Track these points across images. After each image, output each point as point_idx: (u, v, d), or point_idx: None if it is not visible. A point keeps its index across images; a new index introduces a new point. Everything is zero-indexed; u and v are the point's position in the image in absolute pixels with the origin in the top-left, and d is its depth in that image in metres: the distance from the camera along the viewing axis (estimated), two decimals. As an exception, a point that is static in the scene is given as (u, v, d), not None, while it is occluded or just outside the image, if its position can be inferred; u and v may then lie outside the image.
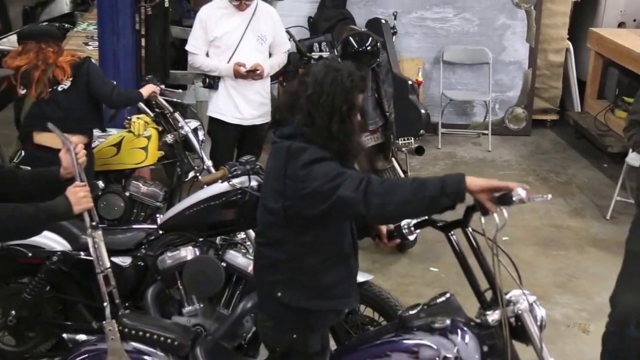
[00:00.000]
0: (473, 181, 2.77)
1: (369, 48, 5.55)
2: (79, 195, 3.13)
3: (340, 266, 3.11)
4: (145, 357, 3.18)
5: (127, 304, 3.83)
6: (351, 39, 5.59)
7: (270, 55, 5.71)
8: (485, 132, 8.40)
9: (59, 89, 4.61)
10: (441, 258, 5.65)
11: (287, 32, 6.04)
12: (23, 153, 4.68)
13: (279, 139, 3.01)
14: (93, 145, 4.88)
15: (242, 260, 3.87)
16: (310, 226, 3.00)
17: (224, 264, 3.83)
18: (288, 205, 2.96)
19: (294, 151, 2.93)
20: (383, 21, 7.82)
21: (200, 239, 3.96)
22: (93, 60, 4.88)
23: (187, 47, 5.69)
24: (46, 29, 4.87)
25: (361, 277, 3.73)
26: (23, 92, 4.62)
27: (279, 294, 3.09)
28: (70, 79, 4.62)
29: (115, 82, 4.86)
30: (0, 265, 4.08)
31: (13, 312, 4.06)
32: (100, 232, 3.24)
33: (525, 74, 8.59)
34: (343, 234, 3.10)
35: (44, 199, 3.24)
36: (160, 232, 4.07)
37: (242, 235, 4.17)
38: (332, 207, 2.83)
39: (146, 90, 4.89)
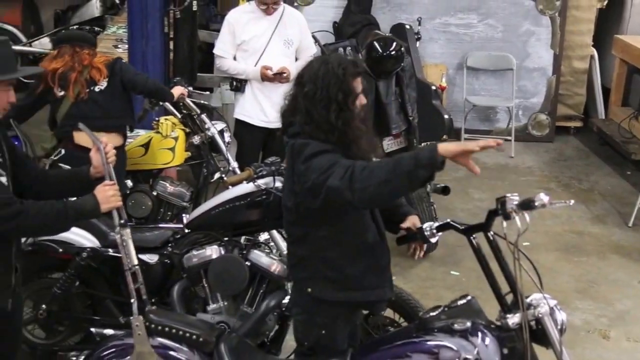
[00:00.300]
0: (445, 147, 2.77)
1: (393, 53, 5.59)
2: (107, 194, 3.19)
3: (364, 257, 3.18)
4: (171, 352, 3.22)
5: (153, 300, 3.89)
6: (375, 43, 5.64)
7: (296, 59, 5.78)
8: (508, 138, 8.39)
9: (96, 89, 4.71)
10: (462, 262, 5.67)
11: (313, 36, 6.10)
12: (63, 152, 4.78)
13: (288, 139, 3.12)
14: (122, 144, 4.96)
15: (265, 260, 3.93)
16: (324, 219, 3.08)
17: (248, 263, 3.90)
18: (299, 202, 3.08)
19: (297, 148, 3.03)
20: (407, 27, 7.85)
21: (226, 239, 4.03)
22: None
23: (215, 51, 5.76)
24: (81, 34, 4.96)
25: None
26: (61, 93, 4.71)
27: (309, 290, 3.19)
28: (106, 78, 4.72)
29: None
30: (31, 260, 4.16)
31: (43, 305, 4.15)
32: (128, 230, 3.31)
33: (549, 80, 8.60)
34: (364, 225, 3.16)
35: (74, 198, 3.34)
36: (187, 230, 4.15)
37: (266, 235, 4.23)
38: (326, 197, 2.90)
39: (175, 91, 4.97)
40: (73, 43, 4.76)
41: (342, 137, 3.02)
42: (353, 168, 2.86)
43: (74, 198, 3.27)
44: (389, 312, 4.01)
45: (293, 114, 3.12)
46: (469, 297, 3.30)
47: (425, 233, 3.42)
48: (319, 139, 3.01)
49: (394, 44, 5.63)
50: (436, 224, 3.40)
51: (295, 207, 3.14)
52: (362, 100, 3.11)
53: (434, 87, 7.31)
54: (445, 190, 5.37)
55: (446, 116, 6.98)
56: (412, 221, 3.42)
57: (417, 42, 7.98)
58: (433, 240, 3.50)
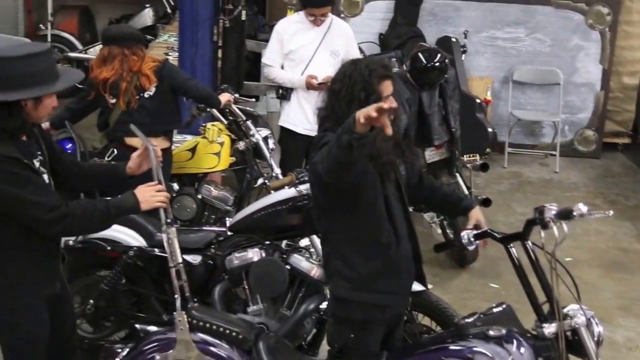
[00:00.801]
0: (359, 111, 2.74)
1: (437, 64, 5.64)
2: (148, 194, 3.30)
3: (378, 258, 3.21)
4: (211, 348, 3.32)
5: (195, 300, 3.99)
6: (420, 54, 5.69)
7: None
8: (553, 153, 8.39)
9: (145, 95, 4.82)
10: (502, 275, 5.68)
11: (358, 47, 6.20)
12: (115, 152, 4.94)
13: None
14: (169, 149, 5.09)
15: (305, 264, 4.02)
16: (337, 212, 3.19)
17: (288, 267, 3.99)
18: (314, 194, 3.23)
19: (315, 142, 3.16)
20: (453, 39, 7.90)
21: (267, 242, 4.13)
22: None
23: (263, 60, 5.90)
24: (129, 32, 5.00)
25: (419, 286, 3.85)
26: (112, 101, 4.85)
27: (330, 288, 3.31)
28: (155, 84, 4.83)
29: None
30: (81, 257, 4.33)
31: (91, 301, 4.30)
32: (174, 229, 3.43)
33: (597, 96, 8.56)
34: (377, 224, 3.18)
35: (108, 194, 3.48)
36: (229, 233, 4.26)
37: (307, 241, 4.31)
38: (315, 177, 3.05)
39: (222, 98, 5.09)
40: (121, 44, 4.85)
41: None
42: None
43: (109, 197, 3.38)
44: (426, 320, 4.07)
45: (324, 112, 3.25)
46: (505, 305, 3.34)
47: (463, 241, 3.47)
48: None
49: (438, 55, 5.69)
50: (474, 232, 3.45)
51: (314, 200, 3.26)
52: (391, 102, 3.10)
53: (478, 100, 7.36)
54: (486, 202, 5.41)
55: (490, 129, 7.02)
56: (475, 218, 3.48)
57: (463, 55, 8.02)
58: (471, 248, 3.56)
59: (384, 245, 3.20)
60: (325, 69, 5.67)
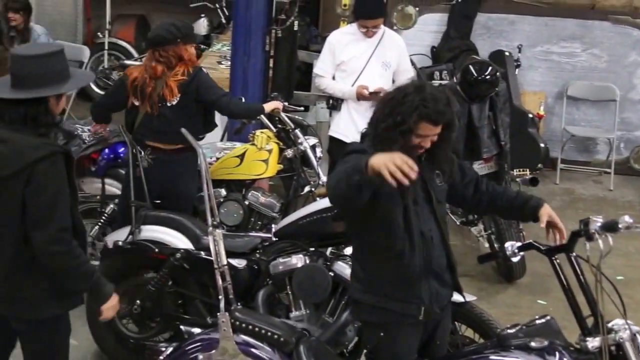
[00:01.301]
0: (374, 158, 2.81)
1: (487, 77, 5.64)
2: (109, 309, 3.45)
3: (392, 266, 3.24)
4: (253, 349, 3.38)
5: (239, 304, 4.07)
6: (471, 67, 5.70)
7: (393, 81, 5.93)
8: (608, 170, 8.28)
9: (168, 104, 4.77)
10: (551, 292, 5.62)
11: (410, 59, 6.23)
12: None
13: None
14: (219, 156, 5.18)
15: (349, 271, 4.04)
16: (354, 219, 3.29)
17: (331, 274, 4.04)
18: None
19: (342, 154, 3.28)
20: (507, 53, 7.91)
21: (311, 249, 4.19)
22: (204, 71, 5.00)
23: (315, 70, 5.99)
24: (161, 35, 4.81)
25: (462, 298, 3.86)
26: (136, 103, 4.87)
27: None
28: (178, 97, 4.76)
29: (227, 92, 5.08)
30: (129, 259, 4.45)
31: (138, 301, 4.40)
32: (220, 232, 3.52)
33: (655, 113, 8.45)
34: (393, 233, 3.20)
35: None
36: (275, 239, 4.33)
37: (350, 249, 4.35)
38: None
39: (270, 105, 5.15)
40: (155, 47, 4.81)
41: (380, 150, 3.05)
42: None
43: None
44: (469, 332, 4.08)
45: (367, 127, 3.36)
46: (548, 317, 3.34)
47: (507, 252, 3.48)
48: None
49: (490, 68, 5.69)
50: (518, 244, 3.46)
51: None
52: (424, 142, 3.15)
53: (530, 115, 7.35)
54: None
55: (542, 145, 7.00)
56: (546, 215, 3.40)
57: (517, 70, 8.01)
58: (515, 259, 3.57)
59: (398, 255, 3.22)
60: (376, 80, 5.74)
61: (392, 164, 2.74)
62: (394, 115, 3.12)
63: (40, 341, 3.45)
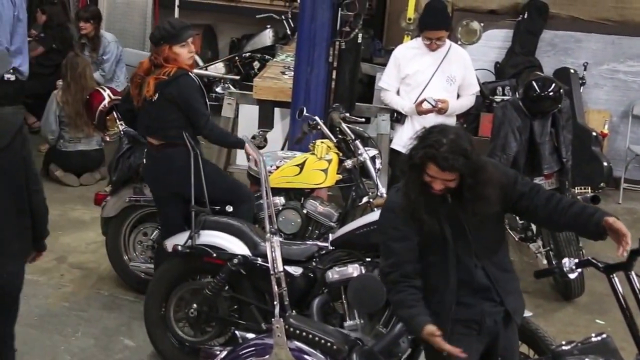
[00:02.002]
0: (429, 331, 3.16)
1: (550, 94, 5.58)
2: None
3: (429, 297, 3.33)
4: (306, 356, 3.41)
5: (293, 311, 4.08)
6: (534, 83, 5.65)
7: (458, 96, 5.93)
8: (672, 192, 8.12)
9: (151, 100, 4.81)
10: (609, 312, 5.52)
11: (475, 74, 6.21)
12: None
13: None
14: (279, 164, 5.23)
15: (404, 283, 4.06)
16: None
17: (387, 285, 4.04)
18: None
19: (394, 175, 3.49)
20: (572, 71, 7.81)
21: (367, 259, 4.20)
22: (192, 75, 4.88)
23: (380, 83, 6.06)
24: (156, 35, 4.87)
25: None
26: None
27: None
28: (156, 95, 4.77)
29: (208, 116, 4.88)
30: (188, 263, 4.51)
31: (194, 305, 4.45)
32: (277, 238, 3.56)
33: None
34: (429, 267, 3.35)
35: None
36: (331, 248, 4.35)
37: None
38: None
39: (248, 148, 4.95)
40: (155, 47, 4.87)
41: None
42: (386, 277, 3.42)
43: None
44: (523, 348, 4.03)
45: None
46: (604, 335, 3.30)
47: (564, 268, 3.44)
48: None
49: (553, 85, 5.63)
50: (576, 260, 3.42)
51: None
52: (435, 184, 3.22)
53: (594, 133, 7.24)
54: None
55: (605, 163, 6.88)
56: (612, 219, 3.26)
57: (582, 87, 7.90)
58: (572, 276, 3.53)
59: (433, 288, 3.37)
60: (440, 94, 5.75)
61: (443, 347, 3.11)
62: (412, 146, 3.25)
63: None
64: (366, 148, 5.27)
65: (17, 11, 6.40)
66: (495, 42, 8.40)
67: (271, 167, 5.15)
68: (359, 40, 6.13)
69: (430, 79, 5.79)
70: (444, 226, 3.30)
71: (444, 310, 3.34)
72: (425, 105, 5.70)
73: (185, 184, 4.76)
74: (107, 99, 6.31)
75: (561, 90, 5.65)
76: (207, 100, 4.89)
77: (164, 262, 4.70)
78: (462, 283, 3.34)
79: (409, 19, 7.77)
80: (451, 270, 3.31)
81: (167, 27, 4.82)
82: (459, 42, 7.96)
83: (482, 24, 7.95)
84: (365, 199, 5.12)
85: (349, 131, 5.31)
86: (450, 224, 3.31)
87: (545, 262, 5.81)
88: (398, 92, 5.96)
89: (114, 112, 6.09)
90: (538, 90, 5.62)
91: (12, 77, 6.47)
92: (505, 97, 7.08)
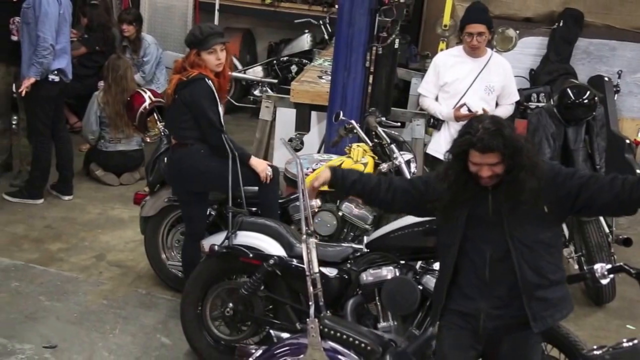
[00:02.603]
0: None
1: (585, 101, 5.55)
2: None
3: (440, 277, 3.53)
4: (339, 356, 3.41)
5: (328, 311, 4.10)
6: (569, 90, 5.62)
7: (497, 105, 5.90)
8: None
9: (173, 99, 4.89)
10: (641, 317, 5.52)
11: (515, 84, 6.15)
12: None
13: None
14: (315, 167, 5.24)
15: (438, 286, 4.05)
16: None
17: (420, 287, 4.02)
18: None
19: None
20: (606, 79, 7.75)
21: (402, 262, 4.19)
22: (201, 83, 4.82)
23: (418, 89, 6.05)
24: (186, 39, 4.96)
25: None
26: None
27: None
28: (176, 95, 4.83)
29: (213, 121, 4.80)
30: (225, 263, 4.54)
31: (230, 304, 4.48)
32: (313, 240, 3.55)
33: None
34: (449, 244, 3.46)
35: None
36: (366, 250, 4.35)
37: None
38: None
39: (258, 165, 4.95)
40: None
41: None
42: None
43: None
44: (554, 352, 4.01)
45: None
46: (635, 341, 3.27)
47: (596, 274, 3.42)
48: None
49: (587, 92, 5.60)
50: (608, 266, 3.39)
51: None
52: (481, 171, 3.28)
53: (628, 141, 7.15)
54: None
55: (638, 171, 6.79)
56: None
57: (615, 95, 7.83)
58: (604, 281, 3.50)
59: (447, 266, 3.47)
60: (478, 103, 5.71)
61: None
62: (453, 143, 3.36)
63: None
64: (401, 152, 5.27)
65: (63, 10, 6.46)
66: (530, 49, 8.35)
67: (307, 169, 5.16)
68: (396, 46, 6.13)
69: (469, 88, 5.76)
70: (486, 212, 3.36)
71: (438, 292, 3.54)
72: (463, 111, 5.67)
73: (196, 183, 4.84)
74: (147, 101, 6.39)
75: (595, 98, 5.61)
76: (219, 109, 4.85)
77: (194, 259, 4.76)
78: (470, 273, 3.40)
79: (445, 26, 7.76)
80: (470, 253, 3.39)
81: (196, 32, 4.84)
82: (495, 49, 7.93)
83: (517, 32, 7.89)
84: (399, 203, 5.11)
85: (384, 135, 5.31)
86: (493, 212, 3.34)
87: (576, 267, 5.76)
88: (437, 99, 5.93)
89: (155, 114, 6.16)
90: (573, 98, 5.59)
91: (57, 79, 6.54)
92: (540, 104, 7.04)
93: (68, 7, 6.61)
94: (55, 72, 6.50)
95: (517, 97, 6.08)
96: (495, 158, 3.22)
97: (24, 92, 6.36)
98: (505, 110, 5.91)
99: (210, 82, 4.79)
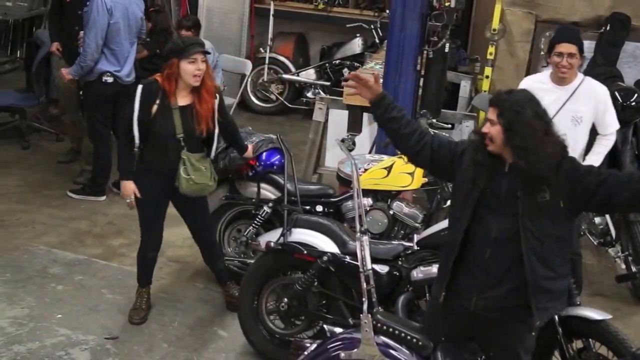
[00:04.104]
0: None
1: (632, 103, 5.47)
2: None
3: (447, 250, 3.51)
4: (392, 351, 3.41)
5: (380, 307, 4.10)
6: (616, 93, 5.56)
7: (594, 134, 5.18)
8: None
9: None
10: (688, 316, 5.41)
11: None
12: None
13: None
14: (367, 167, 5.24)
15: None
16: None
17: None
18: None
19: None
20: (654, 82, 7.57)
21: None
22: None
23: None
24: (168, 48, 4.77)
25: (598, 315, 3.76)
26: None
27: None
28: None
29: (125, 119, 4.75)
30: (280, 259, 4.57)
31: (285, 299, 4.51)
32: (367, 237, 3.57)
33: None
34: (459, 218, 3.44)
35: None
36: (416, 248, 4.35)
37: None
38: None
39: (124, 189, 4.85)
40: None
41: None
42: None
43: None
44: (603, 350, 3.95)
45: None
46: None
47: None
48: None
49: (635, 95, 5.52)
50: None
51: None
52: (484, 128, 3.38)
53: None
54: None
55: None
56: None
57: (663, 98, 7.65)
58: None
59: (451, 245, 3.46)
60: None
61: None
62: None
63: None
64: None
65: (116, 20, 6.57)
66: (577, 53, 8.20)
67: (359, 169, 5.16)
68: (446, 50, 6.10)
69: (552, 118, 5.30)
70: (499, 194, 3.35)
71: (443, 266, 3.53)
72: None
73: None
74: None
75: (643, 101, 5.52)
76: (135, 113, 4.63)
77: (257, 258, 4.79)
78: (473, 250, 3.38)
79: (494, 30, 7.69)
80: (477, 233, 3.37)
81: (178, 41, 4.77)
82: (541, 53, 7.85)
83: (565, 35, 7.79)
84: (449, 202, 5.08)
85: (435, 137, 5.28)
86: (510, 196, 3.32)
87: (623, 266, 5.68)
88: None
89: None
90: (620, 100, 5.53)
91: (110, 80, 6.66)
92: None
93: (127, 18, 6.70)
94: (109, 73, 6.62)
95: (612, 129, 5.14)
96: (494, 113, 3.33)
97: (66, 79, 6.72)
98: (601, 148, 5.13)
99: (153, 86, 4.64)
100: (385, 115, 3.66)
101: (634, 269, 5.54)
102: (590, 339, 3.91)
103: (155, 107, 4.62)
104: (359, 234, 3.53)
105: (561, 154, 3.34)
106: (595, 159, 5.02)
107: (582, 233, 5.52)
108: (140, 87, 4.67)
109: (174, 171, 4.68)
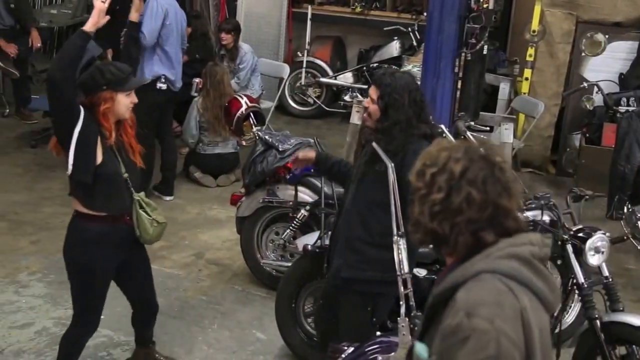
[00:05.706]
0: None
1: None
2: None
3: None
4: (428, 355, 3.38)
5: (418, 311, 4.07)
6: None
7: None
8: None
9: None
10: None
11: (596, 84, 5.98)
12: None
13: None
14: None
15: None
16: None
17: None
18: None
19: None
20: (697, 83, 7.44)
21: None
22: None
23: None
24: (102, 77, 3.97)
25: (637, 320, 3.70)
26: None
27: None
28: None
29: None
30: (317, 262, 4.55)
31: (321, 302, 4.48)
32: (404, 240, 3.53)
33: None
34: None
35: None
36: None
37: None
38: None
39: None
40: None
41: None
42: None
43: None
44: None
45: None
46: None
47: None
48: None
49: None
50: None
51: None
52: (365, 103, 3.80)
53: None
54: None
55: None
56: None
57: None
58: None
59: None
60: None
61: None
62: None
63: None
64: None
65: (170, 21, 6.62)
66: (619, 53, 8.08)
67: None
68: (485, 52, 6.05)
69: None
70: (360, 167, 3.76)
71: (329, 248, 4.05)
72: None
73: None
74: (244, 106, 6.47)
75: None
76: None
77: (295, 260, 4.77)
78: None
79: (533, 31, 7.62)
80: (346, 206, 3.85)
81: (114, 71, 3.90)
82: (583, 54, 7.74)
83: (607, 36, 7.68)
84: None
85: (472, 138, 5.24)
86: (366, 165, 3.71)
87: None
88: None
89: (250, 118, 6.25)
90: (664, 102, 5.41)
91: (164, 86, 6.71)
92: (630, 108, 6.81)
93: (177, 22, 6.76)
94: (163, 79, 6.65)
95: None
96: (374, 94, 3.61)
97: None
98: None
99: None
100: (327, 164, 4.13)
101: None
102: (633, 345, 3.83)
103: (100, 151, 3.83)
104: (396, 237, 3.49)
105: (425, 135, 3.61)
106: None
107: (625, 237, 5.43)
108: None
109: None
